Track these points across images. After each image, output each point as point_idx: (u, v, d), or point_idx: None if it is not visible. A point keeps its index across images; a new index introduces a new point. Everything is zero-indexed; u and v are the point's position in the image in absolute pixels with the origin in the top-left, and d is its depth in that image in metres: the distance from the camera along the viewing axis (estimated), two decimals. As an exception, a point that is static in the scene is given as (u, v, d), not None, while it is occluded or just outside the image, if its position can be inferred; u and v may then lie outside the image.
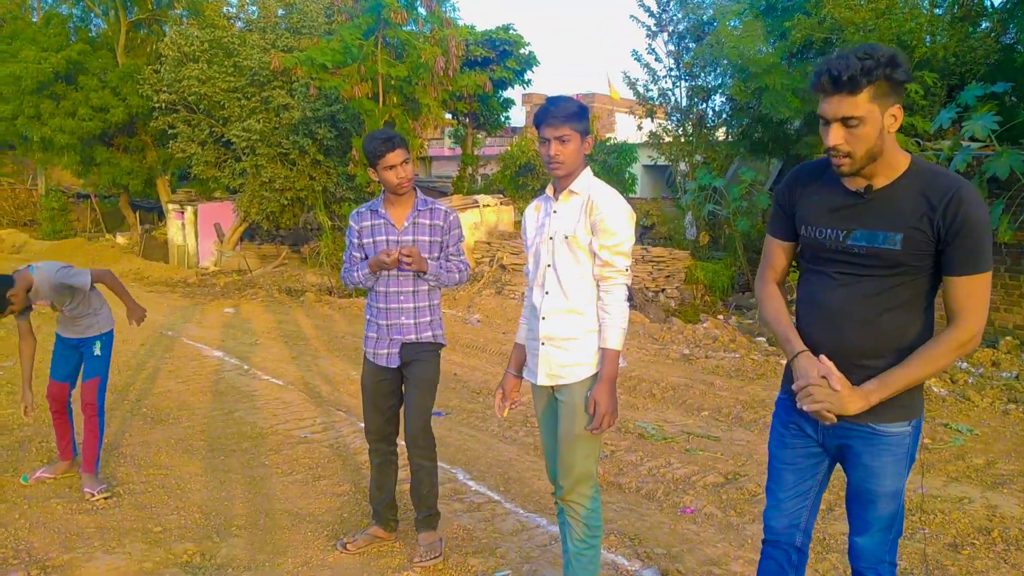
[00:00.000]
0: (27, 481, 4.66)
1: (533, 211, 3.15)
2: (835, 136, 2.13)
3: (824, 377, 2.21)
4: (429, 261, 3.63)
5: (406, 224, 3.66)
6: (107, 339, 4.66)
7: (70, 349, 4.66)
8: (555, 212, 2.99)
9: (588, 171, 2.99)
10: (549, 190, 3.05)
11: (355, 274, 3.72)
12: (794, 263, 2.52)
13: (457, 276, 3.76)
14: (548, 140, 2.87)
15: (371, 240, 3.70)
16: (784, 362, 2.52)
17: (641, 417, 6.34)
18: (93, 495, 4.43)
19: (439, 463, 3.89)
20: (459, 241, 3.80)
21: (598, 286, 2.92)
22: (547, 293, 2.98)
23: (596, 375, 2.90)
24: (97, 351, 4.59)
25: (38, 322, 4.76)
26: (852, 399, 2.17)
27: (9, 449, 5.28)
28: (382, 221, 3.69)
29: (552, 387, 3.00)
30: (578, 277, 2.93)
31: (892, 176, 2.18)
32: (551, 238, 2.97)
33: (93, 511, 4.29)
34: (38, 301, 4.40)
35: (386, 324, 3.69)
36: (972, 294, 2.14)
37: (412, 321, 3.68)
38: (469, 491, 4.67)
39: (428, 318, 3.72)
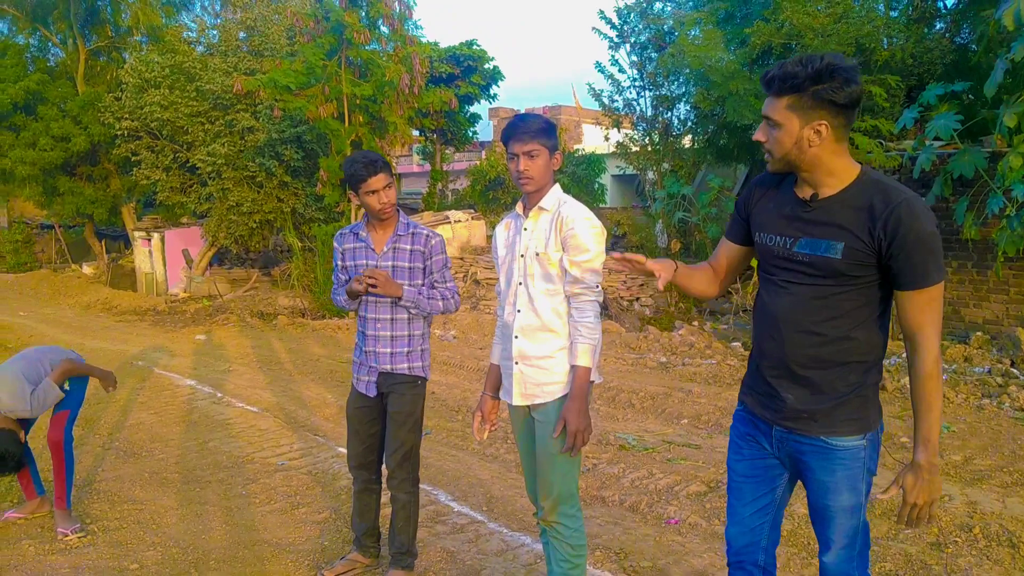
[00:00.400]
0: (-4, 524, 4.53)
1: (503, 229, 3.12)
2: (760, 132, 2.23)
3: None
4: (406, 288, 3.49)
5: (386, 249, 3.58)
6: (78, 379, 4.55)
7: None
8: (525, 229, 2.97)
9: (557, 187, 2.98)
10: (519, 207, 3.03)
11: (339, 297, 3.68)
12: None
13: (441, 304, 3.60)
14: (517, 156, 2.85)
15: (352, 263, 3.65)
16: (743, 371, 2.52)
17: (622, 428, 6.33)
18: (67, 534, 4.31)
19: (421, 484, 3.82)
20: (444, 267, 3.64)
21: (569, 303, 2.90)
22: (519, 311, 2.95)
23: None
24: (66, 386, 4.48)
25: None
26: (931, 481, 2.10)
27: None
28: (363, 244, 3.62)
29: (528, 406, 2.97)
30: (550, 294, 2.91)
31: (838, 186, 2.16)
32: (522, 256, 2.95)
33: (67, 551, 4.17)
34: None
35: (366, 351, 3.62)
36: (924, 308, 2.09)
37: (388, 350, 3.57)
38: (452, 512, 4.61)
39: (405, 348, 3.58)
